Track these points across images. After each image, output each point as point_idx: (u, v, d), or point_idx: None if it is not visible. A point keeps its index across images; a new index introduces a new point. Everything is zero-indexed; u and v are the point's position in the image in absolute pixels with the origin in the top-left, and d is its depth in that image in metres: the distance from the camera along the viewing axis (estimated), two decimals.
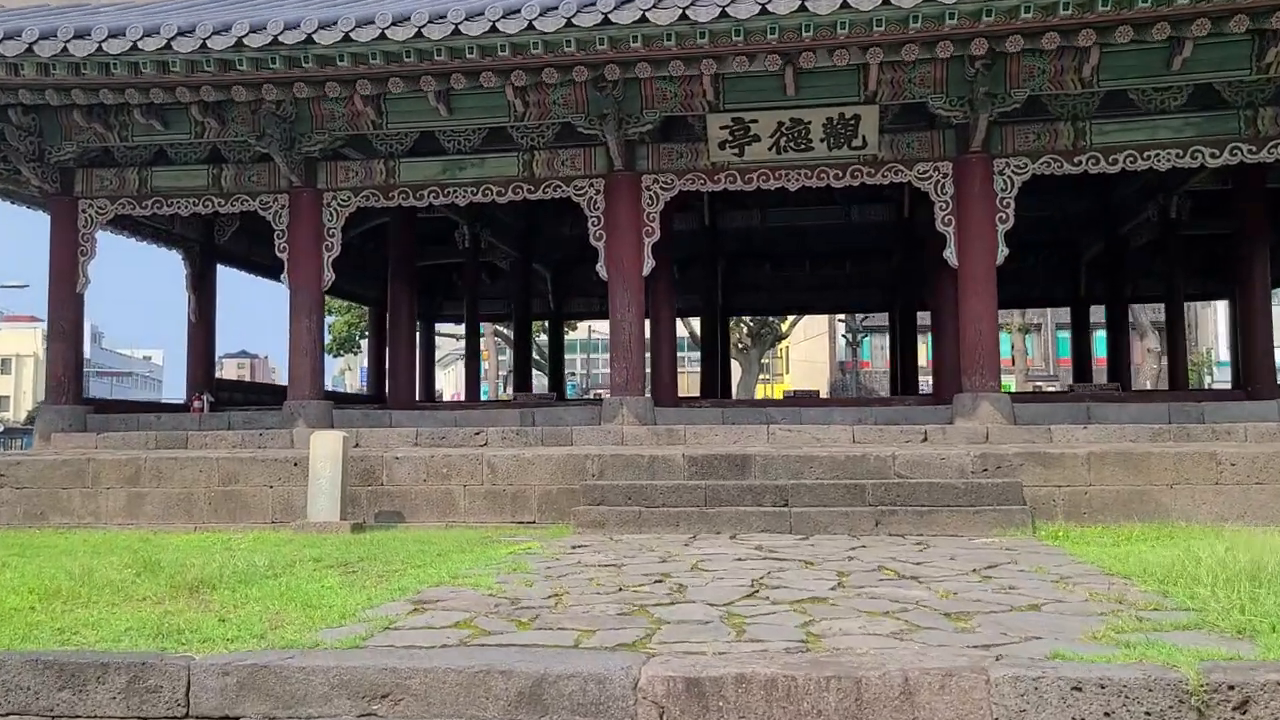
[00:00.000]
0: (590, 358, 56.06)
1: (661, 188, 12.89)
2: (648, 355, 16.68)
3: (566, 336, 36.57)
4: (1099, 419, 11.75)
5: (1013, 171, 12.20)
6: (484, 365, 59.09)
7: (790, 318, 44.35)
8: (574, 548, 8.54)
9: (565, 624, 5.28)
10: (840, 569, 7.00)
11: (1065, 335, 52.32)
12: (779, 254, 25.25)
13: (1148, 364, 35.25)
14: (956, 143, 12.31)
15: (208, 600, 6.30)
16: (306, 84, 11.71)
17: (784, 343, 49.62)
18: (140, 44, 11.02)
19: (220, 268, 18.73)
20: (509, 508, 10.90)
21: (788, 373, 60.24)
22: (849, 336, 44.25)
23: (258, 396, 19.35)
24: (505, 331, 45.14)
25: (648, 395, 13.03)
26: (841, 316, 48.14)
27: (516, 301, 22.83)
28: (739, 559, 7.59)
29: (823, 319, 51.91)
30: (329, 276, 13.52)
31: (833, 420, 12.35)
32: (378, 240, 22.53)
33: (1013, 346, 41.38)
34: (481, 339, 51.79)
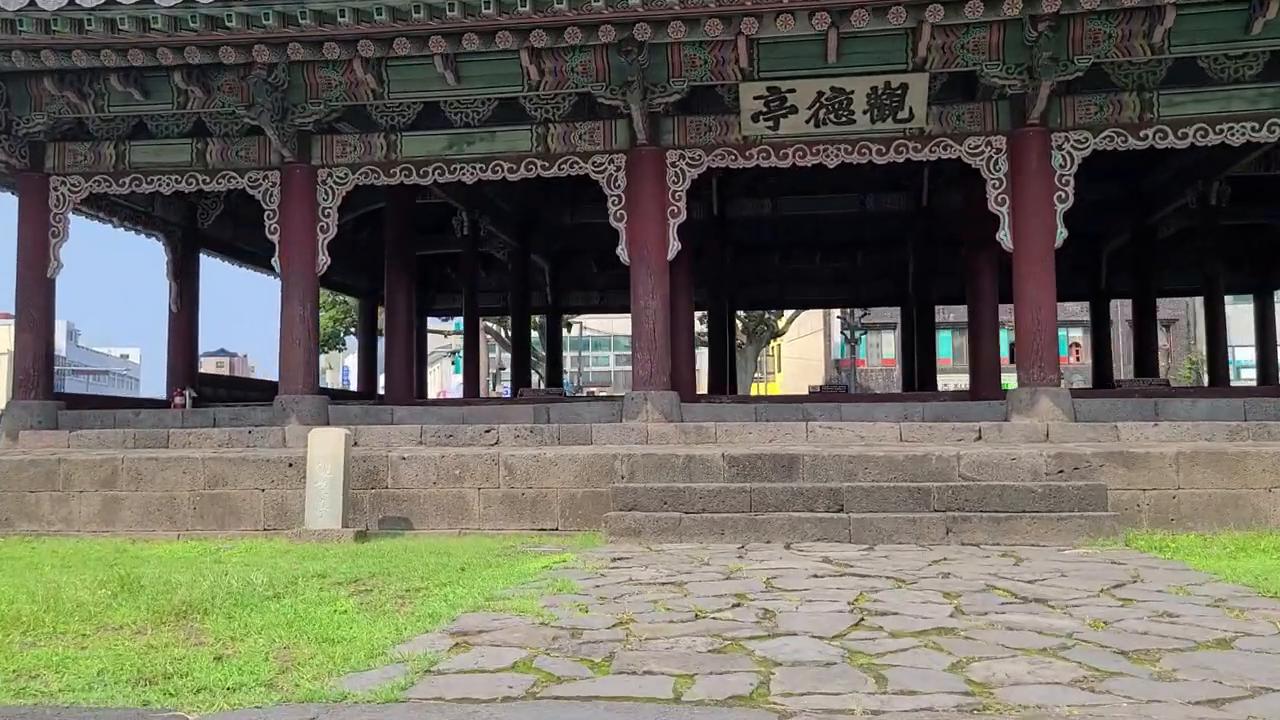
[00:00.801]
0: (582, 355, 54.97)
1: (688, 164, 11.86)
2: None
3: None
4: (1168, 415, 10.79)
5: (1072, 146, 11.22)
6: None
7: (787, 314, 43.43)
8: (615, 560, 7.49)
9: (650, 665, 4.24)
10: (942, 589, 5.98)
11: (1062, 333, 51.75)
12: (789, 245, 24.27)
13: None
14: (1011, 115, 11.32)
15: (199, 630, 5.22)
16: (303, 45, 10.62)
17: (776, 341, 48.71)
18: None
19: (204, 258, 17.59)
20: (528, 513, 9.84)
21: (779, 371, 59.30)
22: (847, 334, 43.30)
23: (243, 392, 18.19)
24: (495, 327, 44.03)
25: (674, 390, 11.99)
26: (838, 314, 47.23)
27: (515, 293, 21.72)
28: (814, 575, 6.55)
29: (817, 316, 51.02)
30: (324, 260, 12.42)
31: (876, 417, 11.35)
32: (371, 228, 21.45)
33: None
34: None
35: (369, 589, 6.45)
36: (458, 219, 19.05)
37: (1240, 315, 49.05)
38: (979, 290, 14.48)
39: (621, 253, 11.98)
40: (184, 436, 12.01)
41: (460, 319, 45.74)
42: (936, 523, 8.51)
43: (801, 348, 54.66)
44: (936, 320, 24.82)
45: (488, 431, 11.52)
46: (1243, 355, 47.32)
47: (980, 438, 10.73)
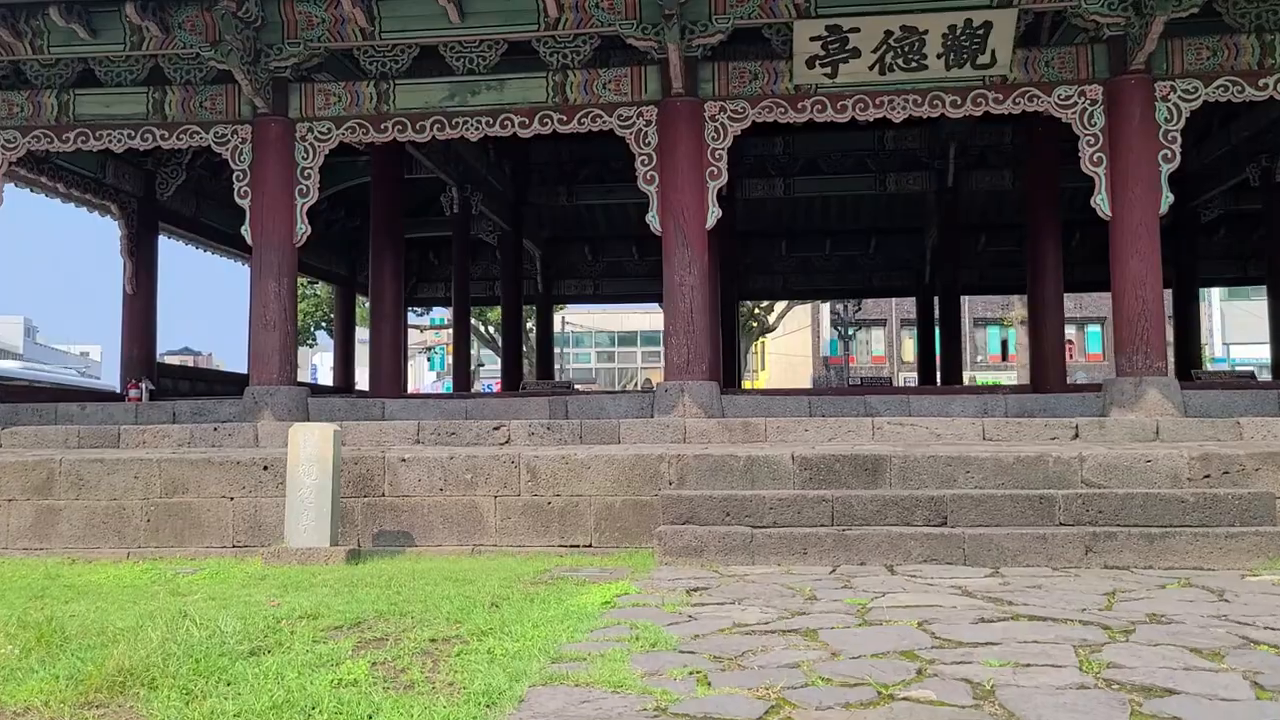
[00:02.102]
0: (564, 351, 53.18)
1: (730, 117, 10.22)
2: None
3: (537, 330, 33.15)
4: None
5: (1180, 97, 9.68)
6: (447, 358, 55.86)
7: (777, 309, 41.91)
8: (694, 594, 5.82)
9: None
10: (1176, 640, 4.36)
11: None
12: (798, 231, 22.73)
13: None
14: (1110, 60, 9.77)
15: (143, 717, 3.51)
16: None
17: (763, 337, 47.18)
18: None
19: (165, 242, 15.78)
20: (555, 526, 8.15)
21: (764, 369, 57.81)
22: (840, 329, 41.81)
23: (209, 385, 16.38)
24: (474, 321, 42.12)
25: (713, 380, 10.35)
26: (828, 310, 45.76)
27: (506, 280, 19.98)
28: (980, 619, 4.91)
29: (805, 312, 49.56)
30: (303, 229, 10.68)
31: (951, 411, 9.77)
32: (349, 206, 19.73)
33: (1017, 341, 39.12)
34: (447, 329, 48.63)
35: (380, 639, 4.74)
36: (447, 196, 17.33)
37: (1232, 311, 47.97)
38: (1041, 273, 12.92)
39: (652, 220, 10.33)
40: (138, 434, 10.23)
41: (437, 313, 43.94)
42: (1071, 540, 6.90)
43: (788, 344, 53.17)
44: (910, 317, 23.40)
45: (497, 429, 9.82)
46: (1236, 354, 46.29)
47: (1078, 435, 9.16)
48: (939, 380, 20.95)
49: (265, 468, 8.47)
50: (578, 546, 8.07)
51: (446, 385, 53.54)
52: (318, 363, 63.54)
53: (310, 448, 7.66)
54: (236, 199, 10.67)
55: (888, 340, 50.27)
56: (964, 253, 20.46)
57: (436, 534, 8.24)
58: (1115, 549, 6.83)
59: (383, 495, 8.36)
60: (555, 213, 21.75)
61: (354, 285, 22.13)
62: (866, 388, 12.60)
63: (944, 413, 9.80)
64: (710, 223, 10.28)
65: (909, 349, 51.45)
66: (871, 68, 9.91)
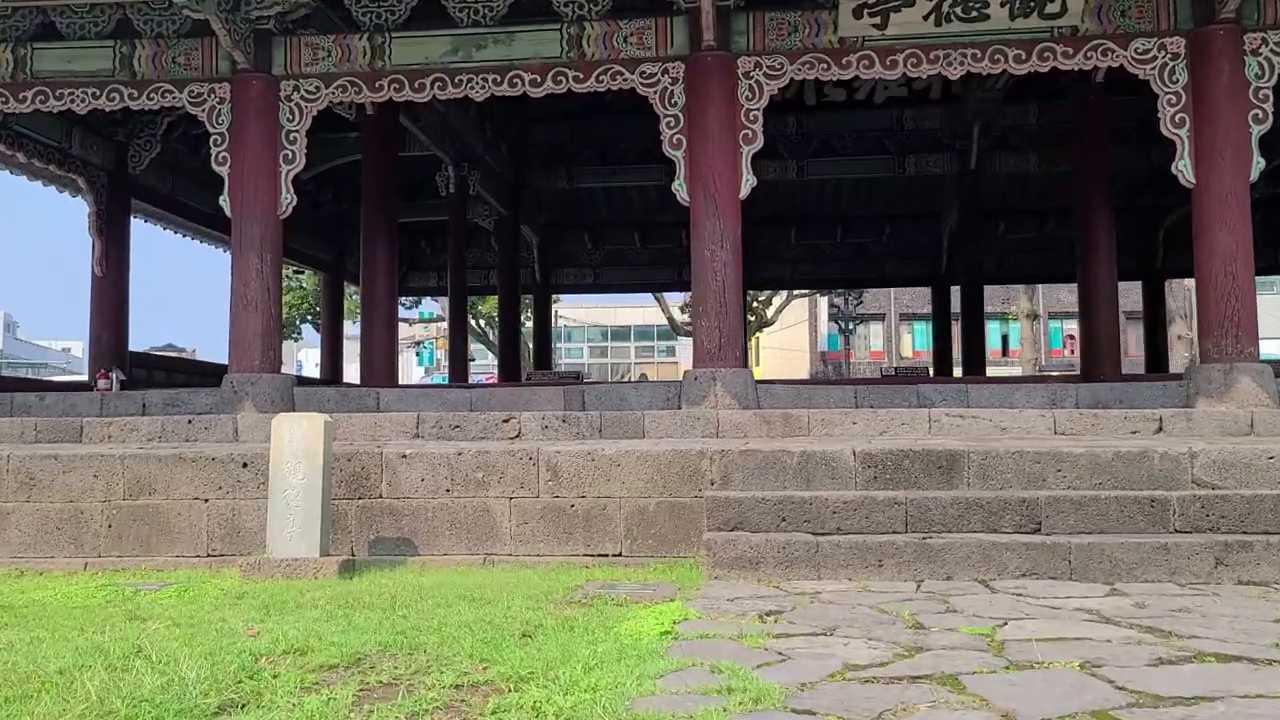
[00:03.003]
0: (555, 346, 52.06)
1: (766, 74, 9.15)
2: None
3: (526, 323, 31.63)
4: None
5: (1272, 51, 8.66)
6: (437, 353, 54.64)
7: (775, 303, 40.86)
8: (765, 617, 4.77)
9: None
10: None
11: (1056, 325, 49.63)
12: (809, 217, 21.66)
13: (1178, 351, 32.23)
14: (1193, 9, 8.74)
15: None
16: None
17: (760, 331, 46.15)
18: None
19: (145, 227, 14.67)
20: (580, 532, 7.07)
21: (759, 364, 56.76)
22: (841, 324, 40.77)
23: (186, 377, 15.23)
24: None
25: (747, 367, 9.29)
26: (827, 303, 44.75)
27: (503, 268, 18.88)
28: (1161, 660, 3.86)
29: (802, 305, 48.52)
30: (288, 199, 9.56)
31: (1015, 402, 8.73)
32: (337, 187, 18.57)
33: (1021, 335, 38.19)
34: (437, 322, 47.43)
35: (388, 685, 3.67)
36: (443, 176, 16.17)
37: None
38: (1093, 258, 11.92)
39: (679, 189, 9.26)
40: (103, 427, 9.11)
41: (426, 306, 42.72)
42: (1198, 551, 5.86)
43: (783, 339, 52.15)
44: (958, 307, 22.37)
45: (506, 421, 8.74)
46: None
47: (1161, 429, 8.13)
48: (957, 375, 19.93)
49: (245, 465, 7.37)
50: (606, 556, 7.00)
51: (435, 381, 52.38)
52: (303, 359, 62.25)
53: (297, 442, 6.57)
54: (214, 165, 9.55)
55: (886, 335, 49.31)
56: (985, 239, 19.41)
57: (442, 541, 7.16)
58: (1251, 561, 5.80)
59: (380, 497, 7.27)
60: (554, 197, 20.65)
61: (342, 272, 20.96)
62: (916, 376, 11.45)
63: (1007, 403, 8.76)
64: (744, 192, 9.23)
65: (908, 343, 50.55)
66: (926, 17, 8.86)
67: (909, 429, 8.45)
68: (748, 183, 9.19)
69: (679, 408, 9.05)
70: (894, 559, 6.01)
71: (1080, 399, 8.74)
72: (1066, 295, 46.60)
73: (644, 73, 9.25)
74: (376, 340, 12.39)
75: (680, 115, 9.18)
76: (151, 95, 9.70)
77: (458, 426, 8.77)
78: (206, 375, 16.22)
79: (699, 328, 9.16)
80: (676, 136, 9.21)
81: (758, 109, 9.16)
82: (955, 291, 22.20)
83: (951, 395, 8.91)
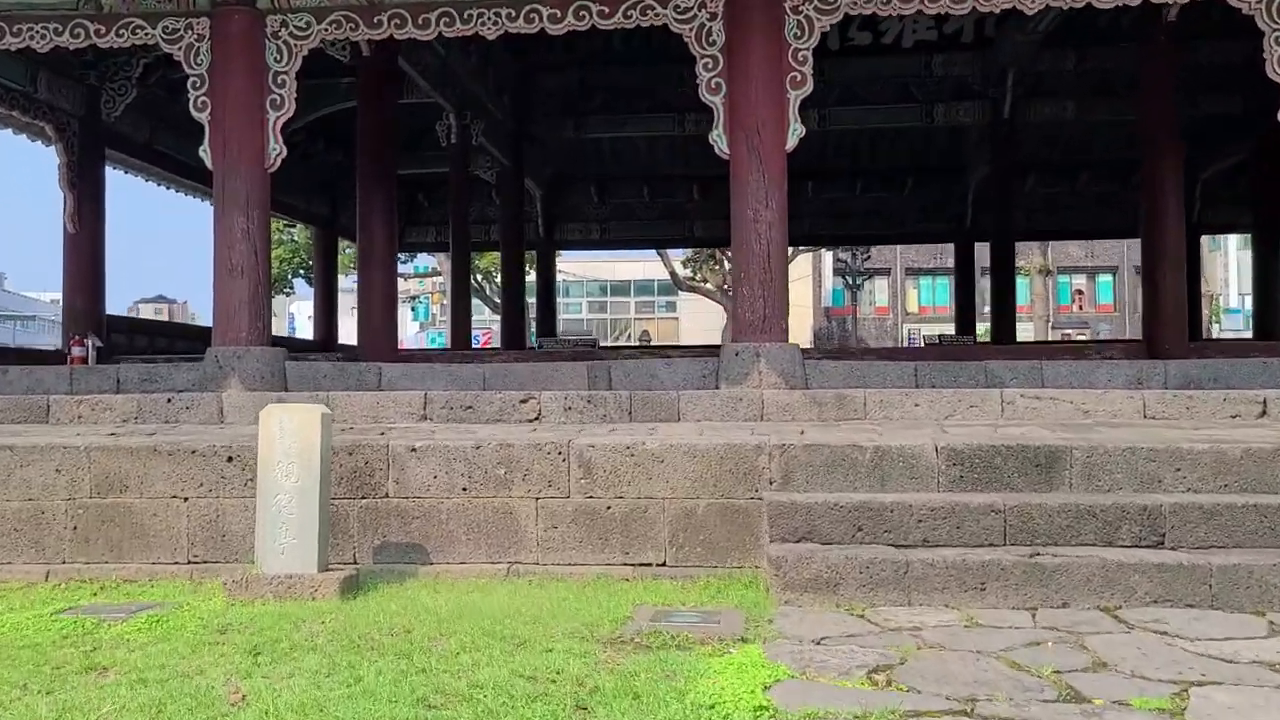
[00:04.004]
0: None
1: (816, 9, 8.08)
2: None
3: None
4: None
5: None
6: (432, 307, 53.46)
7: None
8: (875, 674, 3.84)
9: None
10: None
11: (1065, 279, 48.56)
12: (828, 171, 20.55)
13: (1203, 310, 31.23)
14: None
15: None
16: None
17: None
18: None
19: (125, 179, 13.58)
20: (617, 538, 6.14)
21: None
22: (849, 279, 39.75)
23: (169, 341, 14.22)
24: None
25: (794, 341, 8.32)
26: (832, 258, 43.71)
27: (506, 223, 17.80)
28: None
29: (806, 260, 47.46)
30: (277, 150, 8.50)
31: (1097, 380, 7.80)
32: (330, 137, 17.44)
33: (1033, 292, 37.26)
34: (433, 277, 46.31)
35: None
36: (443, 125, 15.06)
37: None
38: (1160, 215, 10.88)
39: (717, 139, 8.23)
40: (72, 406, 8.14)
41: (420, 260, 41.56)
42: None
43: None
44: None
45: (524, 401, 7.79)
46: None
47: (1265, 413, 7.20)
48: (988, 336, 18.97)
49: (229, 459, 6.40)
50: (648, 565, 6.07)
51: (431, 337, 51.22)
52: (295, 311, 61.02)
53: (289, 439, 5.59)
54: (193, 111, 8.48)
55: (891, 290, 48.34)
56: (1016, 194, 18.35)
57: (459, 547, 6.22)
58: None
59: (386, 496, 6.32)
60: (559, 148, 19.53)
61: (336, 227, 19.88)
62: (978, 348, 10.30)
63: (1087, 382, 7.82)
64: (791, 142, 8.21)
65: (913, 299, 49.58)
66: None
67: (979, 412, 7.51)
68: (795, 132, 8.18)
69: (717, 387, 8.10)
70: (999, 581, 5.08)
71: (1169, 377, 7.80)
72: (1075, 250, 45.58)
73: (678, 7, 8.18)
74: (375, 304, 11.37)
75: (719, 56, 8.13)
76: (121, 32, 8.59)
77: (470, 407, 7.82)
78: (191, 339, 15.22)
79: (740, 296, 8.17)
80: (715, 80, 8.16)
81: (807, 49, 8.11)
82: (976, 249, 21.28)
83: (1024, 373, 7.96)
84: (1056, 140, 19.13)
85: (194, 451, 6.43)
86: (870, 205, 21.69)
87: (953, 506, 5.51)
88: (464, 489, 6.25)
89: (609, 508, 6.15)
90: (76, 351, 11.14)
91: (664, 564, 6.07)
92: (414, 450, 6.30)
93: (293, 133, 8.61)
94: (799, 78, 8.11)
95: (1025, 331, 39.22)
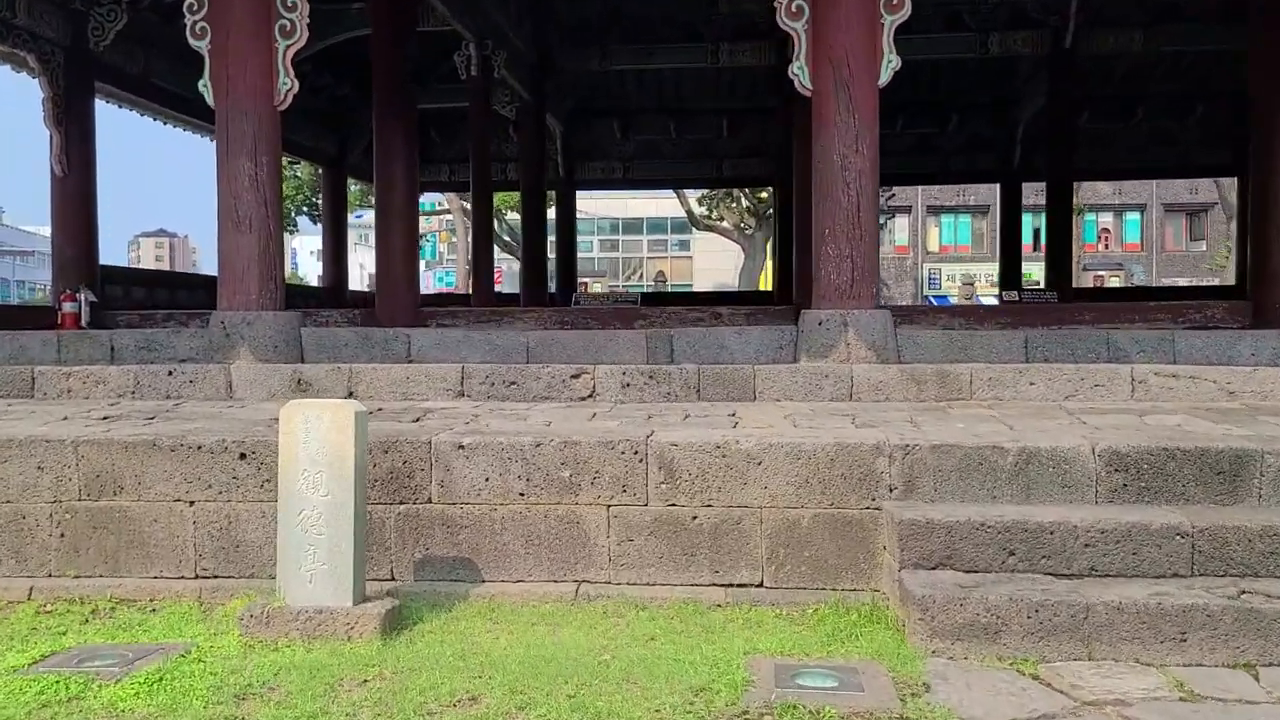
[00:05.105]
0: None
1: None
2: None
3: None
4: None
5: None
6: (439, 246, 52.21)
7: None
8: None
9: None
10: None
11: (1091, 218, 47.10)
12: None
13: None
14: None
15: None
16: None
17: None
18: None
19: (103, 106, 12.44)
20: (705, 554, 5.15)
21: (769, 258, 54.51)
22: None
23: (170, 293, 13.18)
24: (466, 206, 38.39)
25: (884, 307, 7.29)
26: None
27: (527, 160, 16.64)
28: None
29: None
30: (287, 84, 7.42)
31: (1238, 355, 6.80)
32: (338, 70, 16.21)
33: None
34: (440, 215, 45.02)
35: None
36: (463, 55, 13.86)
37: None
38: (1272, 154, 9.72)
39: (799, 72, 7.13)
40: (60, 379, 7.18)
41: (425, 198, 40.21)
42: None
43: None
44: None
45: (575, 377, 6.82)
46: None
47: None
48: (1039, 281, 17.89)
49: (242, 456, 5.40)
50: (743, 587, 5.10)
51: (439, 276, 50.10)
52: (296, 247, 59.69)
53: (317, 442, 4.58)
54: (190, 39, 7.37)
55: (912, 229, 47.00)
56: (1076, 130, 17.11)
57: (515, 563, 5.24)
58: None
59: (429, 501, 5.32)
60: (582, 82, 18.32)
61: (344, 166, 18.72)
62: (1088, 304, 8.86)
63: (1227, 357, 6.81)
64: (885, 77, 7.12)
65: (935, 238, 48.23)
66: None
67: (1105, 392, 6.51)
68: (889, 65, 7.10)
69: (794, 360, 7.11)
70: (1203, 631, 4.09)
71: None
72: (1104, 186, 44.07)
73: None
74: (395, 256, 10.30)
75: None
76: None
77: (514, 383, 6.84)
78: (193, 288, 14.19)
79: (823, 256, 7.11)
80: (796, 3, 7.04)
81: None
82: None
83: (1152, 345, 6.95)
84: (1111, 74, 17.86)
85: (200, 447, 5.42)
86: (912, 142, 20.46)
87: (1128, 529, 4.51)
88: (521, 494, 5.26)
89: (695, 518, 5.16)
90: (68, 308, 10.11)
91: (761, 585, 5.10)
92: (462, 447, 5.29)
93: (299, 64, 7.51)
94: (894, 2, 6.97)
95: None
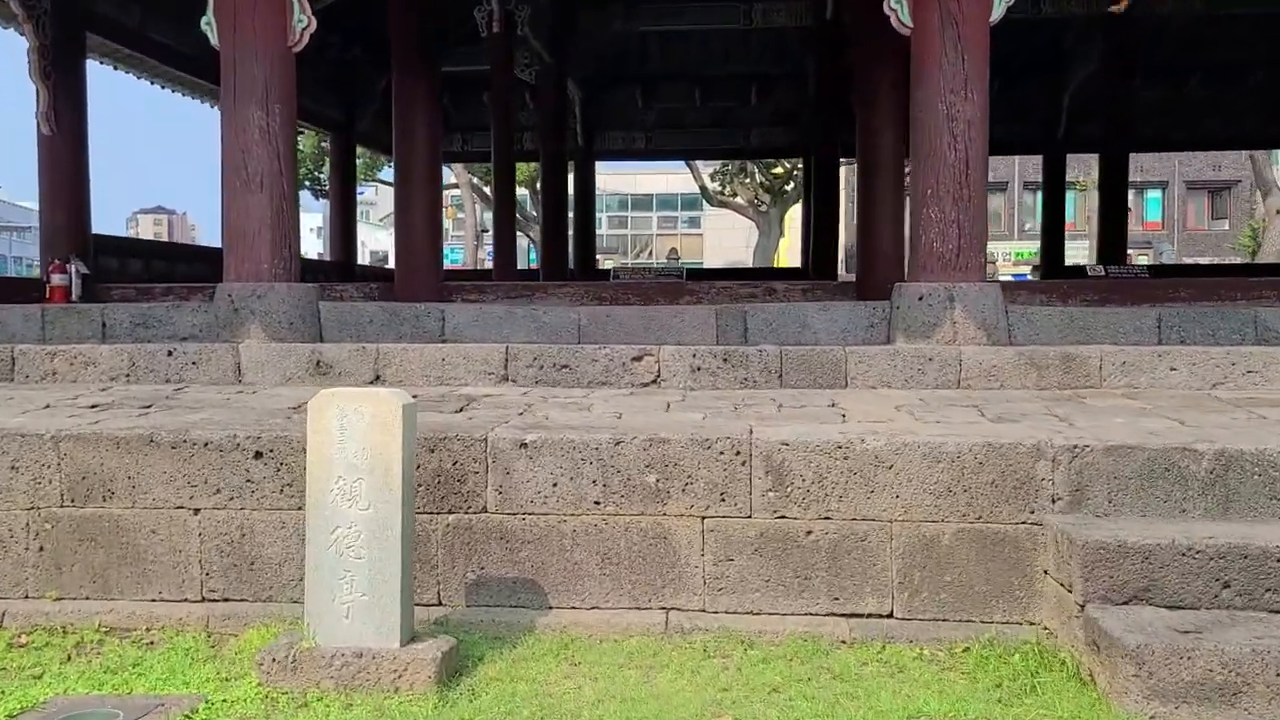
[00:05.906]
0: (569, 216, 48.72)
1: None
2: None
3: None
4: None
5: None
6: (445, 222, 51.22)
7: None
8: None
9: None
10: None
11: (1155, 196, 45.77)
12: None
13: (1275, 227, 28.96)
14: None
15: None
16: None
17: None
18: None
19: (96, 64, 11.45)
20: (821, 577, 4.23)
21: (784, 235, 53.52)
22: None
23: (170, 265, 12.20)
24: (475, 180, 37.34)
25: (995, 279, 6.36)
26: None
27: (547, 128, 15.63)
28: None
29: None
30: (303, 22, 6.46)
31: None
32: (345, 30, 15.11)
33: (1085, 207, 34.96)
34: (448, 190, 43.97)
35: None
36: (483, 12, 12.83)
37: None
38: None
39: (895, 7, 6.14)
40: (45, 360, 6.25)
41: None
42: None
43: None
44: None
45: (637, 359, 5.89)
46: None
47: None
48: (1091, 257, 16.94)
49: (257, 455, 4.47)
50: (871, 618, 4.18)
51: (448, 253, 49.11)
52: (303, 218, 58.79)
53: (356, 443, 3.65)
54: None
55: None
56: (1130, 99, 16.07)
57: (590, 585, 4.32)
58: None
59: (484, 510, 4.39)
60: (603, 44, 17.26)
61: (352, 133, 17.67)
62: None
63: None
64: (998, 13, 6.15)
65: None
66: None
67: (1261, 379, 5.59)
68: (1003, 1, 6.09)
69: (888, 340, 6.19)
70: None
71: None
72: (1151, 161, 42.59)
73: None
74: (417, 227, 9.32)
75: None
76: None
77: (565, 366, 5.91)
78: (192, 261, 13.22)
79: (925, 220, 6.16)
80: None
81: None
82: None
83: None
84: (1162, 38, 16.82)
85: (207, 444, 4.49)
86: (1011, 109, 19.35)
87: None
88: (596, 502, 4.33)
89: (809, 533, 4.24)
90: (56, 280, 9.15)
91: (891, 615, 4.18)
92: (524, 446, 4.36)
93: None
94: None
95: (1079, 252, 37.02)
